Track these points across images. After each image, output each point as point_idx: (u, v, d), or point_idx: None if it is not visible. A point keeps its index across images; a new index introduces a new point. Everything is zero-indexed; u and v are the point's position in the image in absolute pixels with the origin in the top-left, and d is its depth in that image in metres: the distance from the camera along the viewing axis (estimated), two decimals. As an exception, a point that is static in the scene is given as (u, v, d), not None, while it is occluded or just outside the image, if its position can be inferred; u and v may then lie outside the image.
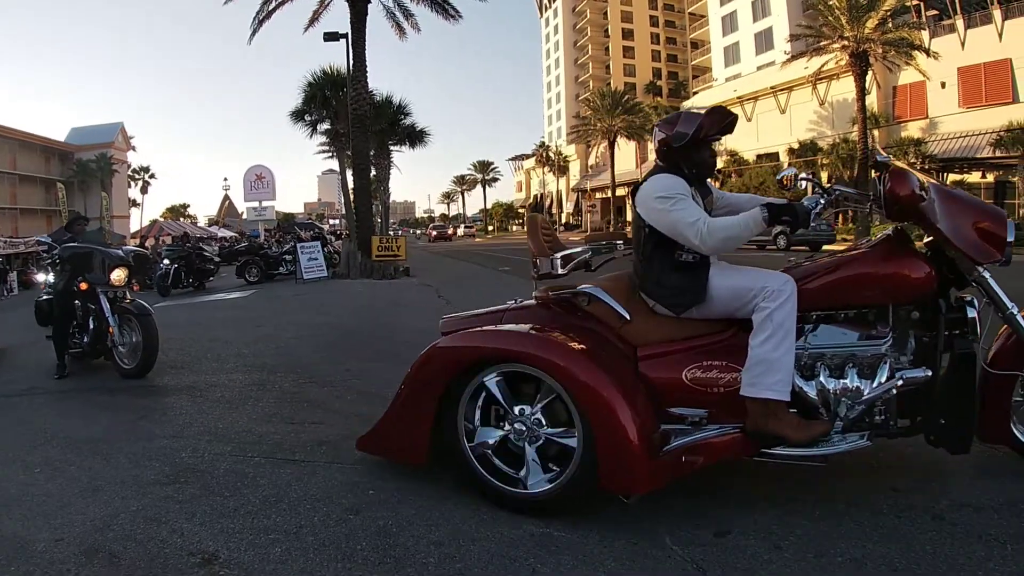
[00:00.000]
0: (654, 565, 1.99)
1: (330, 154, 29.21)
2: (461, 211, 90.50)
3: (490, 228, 73.41)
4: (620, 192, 49.33)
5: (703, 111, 2.43)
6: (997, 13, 29.76)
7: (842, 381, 2.25)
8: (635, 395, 2.19)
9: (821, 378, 2.27)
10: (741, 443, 2.28)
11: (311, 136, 23.86)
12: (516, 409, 2.37)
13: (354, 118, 17.15)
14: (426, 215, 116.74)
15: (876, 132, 32.82)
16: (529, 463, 2.34)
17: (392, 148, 30.08)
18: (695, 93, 49.95)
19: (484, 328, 2.58)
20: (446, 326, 2.86)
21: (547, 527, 2.24)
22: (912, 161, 28.63)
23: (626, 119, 43.89)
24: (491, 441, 2.42)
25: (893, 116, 33.97)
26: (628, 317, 2.43)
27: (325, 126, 23.57)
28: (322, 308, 9.38)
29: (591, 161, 59.43)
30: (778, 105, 39.27)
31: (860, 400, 2.22)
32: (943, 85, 31.44)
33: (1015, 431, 2.43)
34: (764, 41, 42.99)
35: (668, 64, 69.20)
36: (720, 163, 40.92)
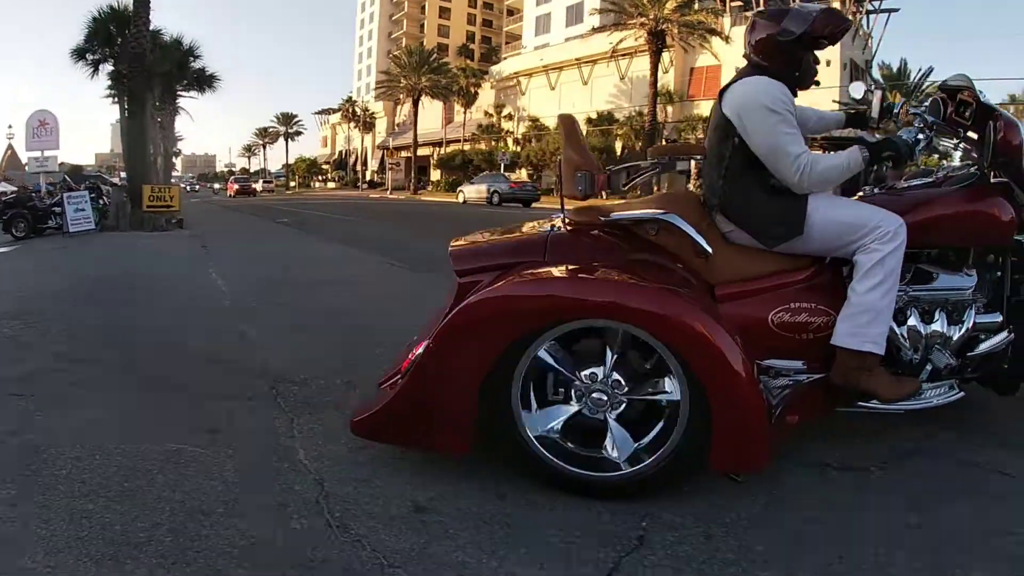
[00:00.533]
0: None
1: (113, 99, 25.35)
2: (263, 165, 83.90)
3: (292, 184, 69.01)
4: (423, 151, 48.89)
5: (815, 6, 2.09)
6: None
7: (931, 327, 2.12)
8: (741, 348, 1.83)
9: (912, 323, 2.12)
10: (833, 397, 2.08)
11: (92, 77, 20.65)
12: (584, 374, 1.92)
13: (132, 56, 15.86)
14: (227, 169, 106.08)
15: (670, 108, 35.61)
16: (617, 438, 1.90)
17: (181, 94, 27.64)
18: (504, 59, 50.58)
19: (559, 274, 2.00)
20: (463, 260, 2.26)
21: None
22: (700, 136, 31.39)
23: (432, 78, 43.70)
24: (557, 423, 1.95)
25: (688, 95, 36.74)
26: (710, 251, 2.06)
27: (109, 67, 20.49)
28: (73, 263, 7.98)
29: (398, 119, 58.15)
30: (581, 77, 40.89)
31: (950, 347, 2.11)
32: (737, 70, 34.85)
33: None
34: (575, 14, 44.33)
35: (483, 28, 68.64)
36: (522, 127, 42.82)
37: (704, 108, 34.65)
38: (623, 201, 2.44)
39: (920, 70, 26.15)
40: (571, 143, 2.33)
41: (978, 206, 2.12)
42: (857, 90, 2.36)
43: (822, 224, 2.03)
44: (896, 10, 36.18)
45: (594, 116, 36.57)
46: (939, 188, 2.27)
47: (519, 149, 40.57)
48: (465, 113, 47.48)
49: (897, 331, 2.09)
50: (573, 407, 1.95)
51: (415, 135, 45.22)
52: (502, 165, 32.26)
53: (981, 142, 2.16)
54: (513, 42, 52.88)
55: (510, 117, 44.93)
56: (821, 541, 1.68)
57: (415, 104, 44.52)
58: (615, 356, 1.91)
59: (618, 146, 36.02)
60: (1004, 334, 2.15)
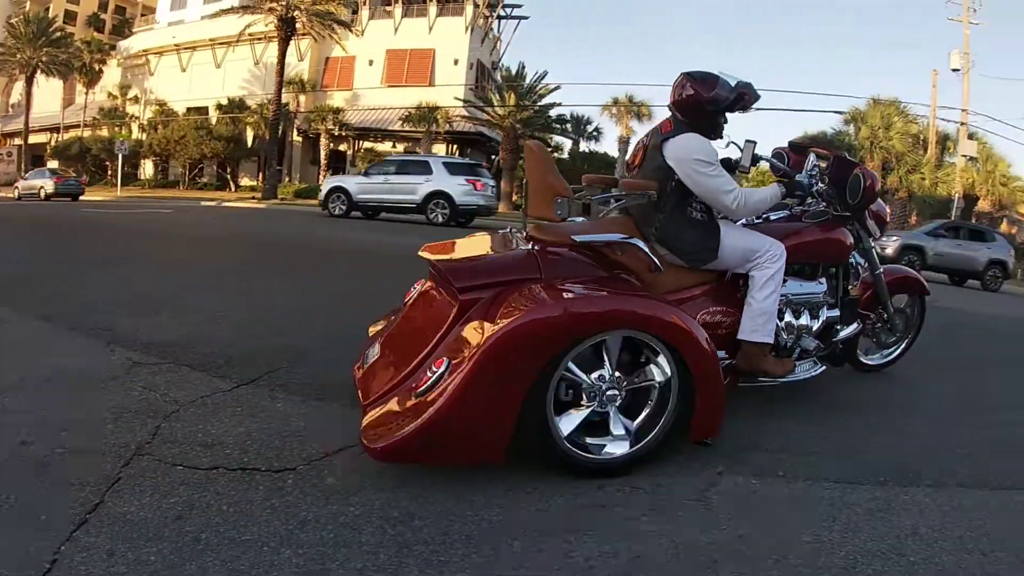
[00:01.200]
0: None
1: None
2: None
3: None
4: (39, 138, 40.37)
5: (738, 81, 2.64)
6: (432, 9, 35.21)
7: (799, 321, 2.98)
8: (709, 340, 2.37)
9: (788, 319, 2.95)
10: (735, 377, 2.79)
11: None
12: (593, 376, 2.23)
13: None
14: None
15: (303, 97, 35.50)
16: (621, 427, 2.30)
17: None
18: (134, 33, 43.89)
19: (608, 292, 2.34)
20: (463, 277, 2.40)
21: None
22: (330, 128, 33.15)
23: (51, 52, 36.72)
24: (579, 422, 2.23)
25: (322, 84, 36.75)
26: (662, 268, 2.57)
27: None
28: None
29: (12, 100, 46.53)
30: (214, 59, 38.08)
31: (811, 334, 3.01)
32: (370, 63, 35.83)
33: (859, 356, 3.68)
34: (214, -8, 40.54)
35: (118, -2, 57.47)
36: (149, 112, 38.58)
37: (337, 98, 35.37)
38: (579, 223, 2.83)
39: (536, 73, 31.68)
40: (549, 170, 2.61)
41: (833, 235, 3.09)
42: (746, 157, 2.99)
43: (730, 249, 2.70)
44: (526, 17, 41.09)
45: (224, 102, 34.88)
46: (803, 221, 3.14)
47: (144, 136, 36.48)
48: (87, 94, 40.45)
49: (778, 325, 2.88)
50: (587, 407, 2.25)
51: (27, 119, 37.63)
52: (120, 156, 28.40)
53: (835, 187, 3.10)
54: (148, 15, 45.86)
55: (136, 100, 39.85)
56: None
57: (28, 82, 37.13)
58: (616, 356, 2.27)
59: (249, 135, 35.15)
60: (855, 325, 3.20)
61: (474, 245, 2.83)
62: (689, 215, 2.67)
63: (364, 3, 36.49)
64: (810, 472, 2.40)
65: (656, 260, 2.58)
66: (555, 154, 45.61)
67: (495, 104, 30.99)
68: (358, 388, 2.47)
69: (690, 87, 2.61)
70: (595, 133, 40.47)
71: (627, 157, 3.94)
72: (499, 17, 39.24)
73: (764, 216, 3.10)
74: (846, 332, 3.23)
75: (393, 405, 2.17)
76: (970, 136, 26.84)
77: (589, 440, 2.26)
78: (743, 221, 2.94)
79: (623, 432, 2.30)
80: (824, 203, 3.19)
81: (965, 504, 2.21)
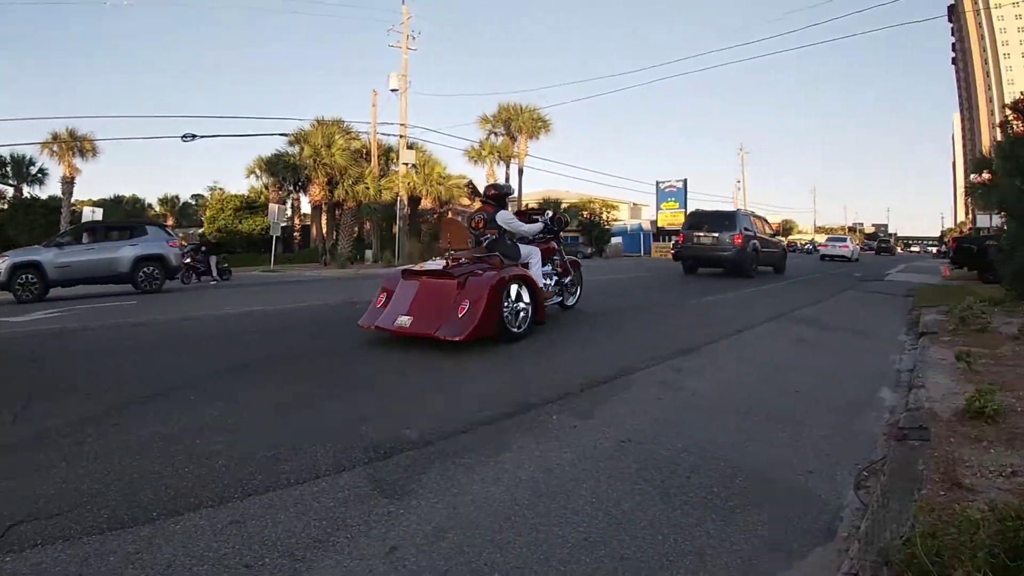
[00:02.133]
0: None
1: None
2: None
3: None
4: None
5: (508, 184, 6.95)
6: None
7: (549, 281, 7.50)
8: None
9: (546, 281, 7.38)
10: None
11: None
12: (512, 299, 6.08)
13: None
14: None
15: None
16: (520, 319, 6.18)
17: None
18: None
19: (506, 271, 6.23)
20: (457, 270, 6.15)
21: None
22: None
23: None
24: (507, 318, 5.98)
25: None
26: (504, 263, 6.53)
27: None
28: None
29: None
30: None
31: (552, 286, 7.52)
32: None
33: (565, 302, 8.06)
34: None
35: None
36: None
37: None
38: (467, 249, 6.70)
39: None
40: (460, 232, 7.09)
41: (551, 245, 7.81)
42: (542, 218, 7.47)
43: (525, 255, 7.04)
44: None
45: None
46: (543, 238, 7.64)
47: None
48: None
49: (547, 283, 7.34)
50: (521, 306, 6.26)
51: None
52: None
53: (554, 224, 7.73)
54: None
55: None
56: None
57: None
58: (519, 289, 6.28)
59: None
60: (570, 276, 7.91)
61: (432, 263, 6.53)
62: (506, 242, 6.87)
63: None
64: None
65: (507, 261, 6.71)
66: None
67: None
68: (413, 334, 5.73)
69: (493, 190, 7.27)
70: (39, 175, 34.72)
71: (472, 223, 7.23)
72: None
73: (536, 237, 7.50)
74: (565, 282, 7.96)
75: (450, 325, 5.63)
76: (410, 146, 30.62)
77: (511, 327, 6.14)
78: (528, 240, 7.28)
79: (524, 322, 6.31)
80: (550, 232, 7.81)
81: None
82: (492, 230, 6.81)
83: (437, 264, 6.48)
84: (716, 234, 15.89)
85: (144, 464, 2.95)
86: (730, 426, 3.67)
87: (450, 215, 34.78)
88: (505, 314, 5.88)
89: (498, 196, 7.07)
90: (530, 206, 35.14)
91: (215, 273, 18.40)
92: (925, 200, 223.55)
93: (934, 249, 62.18)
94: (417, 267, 6.60)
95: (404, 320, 5.77)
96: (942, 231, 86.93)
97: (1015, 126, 10.25)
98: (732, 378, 4.94)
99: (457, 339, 5.42)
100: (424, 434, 3.36)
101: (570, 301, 8.12)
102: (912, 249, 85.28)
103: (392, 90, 29.36)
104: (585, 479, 2.83)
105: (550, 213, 7.91)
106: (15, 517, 2.40)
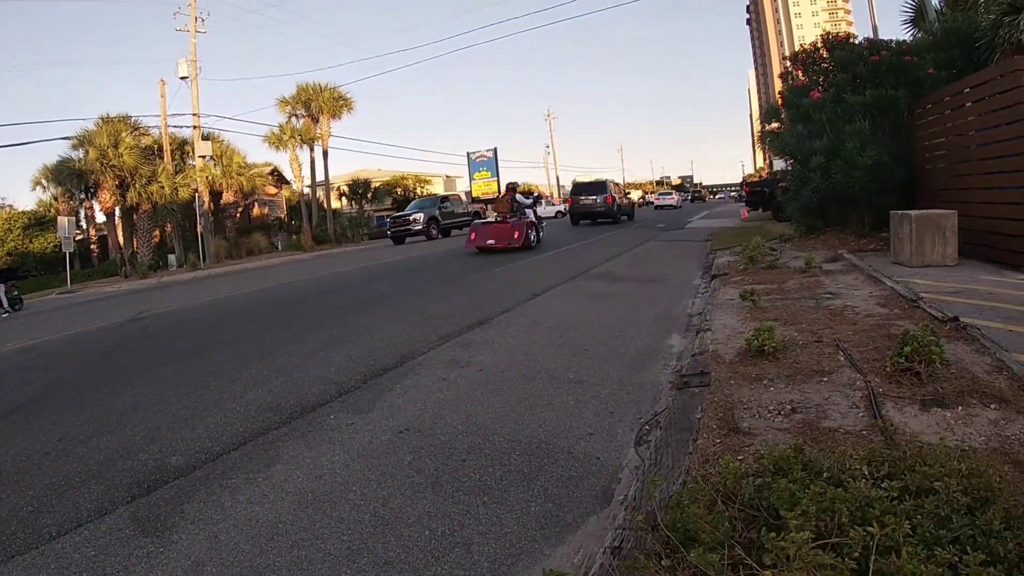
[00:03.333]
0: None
1: None
2: None
3: None
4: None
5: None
6: None
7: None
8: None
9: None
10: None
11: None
12: (535, 229, 14.03)
13: None
14: None
15: None
16: (535, 240, 14.29)
17: None
18: None
19: (526, 221, 13.92)
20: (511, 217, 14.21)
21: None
22: None
23: None
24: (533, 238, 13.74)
25: None
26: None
27: None
28: None
29: None
30: None
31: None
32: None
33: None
34: None
35: None
36: None
37: None
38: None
39: None
40: (505, 204, 14.61)
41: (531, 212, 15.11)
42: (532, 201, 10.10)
43: (528, 215, 14.51)
44: None
45: None
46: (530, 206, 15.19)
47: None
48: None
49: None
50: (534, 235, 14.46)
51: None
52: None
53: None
54: None
55: None
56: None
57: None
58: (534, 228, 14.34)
59: None
60: (537, 226, 13.38)
61: (490, 218, 16.96)
62: (522, 210, 14.55)
63: None
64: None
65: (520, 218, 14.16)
66: None
67: None
68: (496, 246, 13.52)
69: (511, 185, 15.14)
70: None
71: (503, 201, 14.63)
72: None
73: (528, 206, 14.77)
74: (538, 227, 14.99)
75: (511, 243, 13.56)
76: (205, 137, 28.28)
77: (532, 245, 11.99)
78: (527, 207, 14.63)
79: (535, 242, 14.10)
80: (535, 204, 15.89)
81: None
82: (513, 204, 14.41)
83: (493, 218, 15.28)
84: (594, 197, 23.86)
85: None
86: (513, 397, 3.61)
87: (256, 207, 33.08)
88: (531, 238, 13.70)
89: (513, 188, 14.73)
90: (347, 185, 39.58)
91: (6, 304, 15.78)
92: (727, 150, 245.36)
93: (735, 195, 68.34)
94: (483, 221, 16.34)
95: (490, 242, 13.59)
96: (743, 177, 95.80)
97: (796, 76, 11.21)
98: (521, 345, 4.89)
99: (514, 247, 13.26)
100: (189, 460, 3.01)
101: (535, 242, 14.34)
102: (718, 196, 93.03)
103: (182, 78, 26.86)
104: (355, 481, 2.64)
105: (536, 194, 15.77)
106: None
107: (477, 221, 17.92)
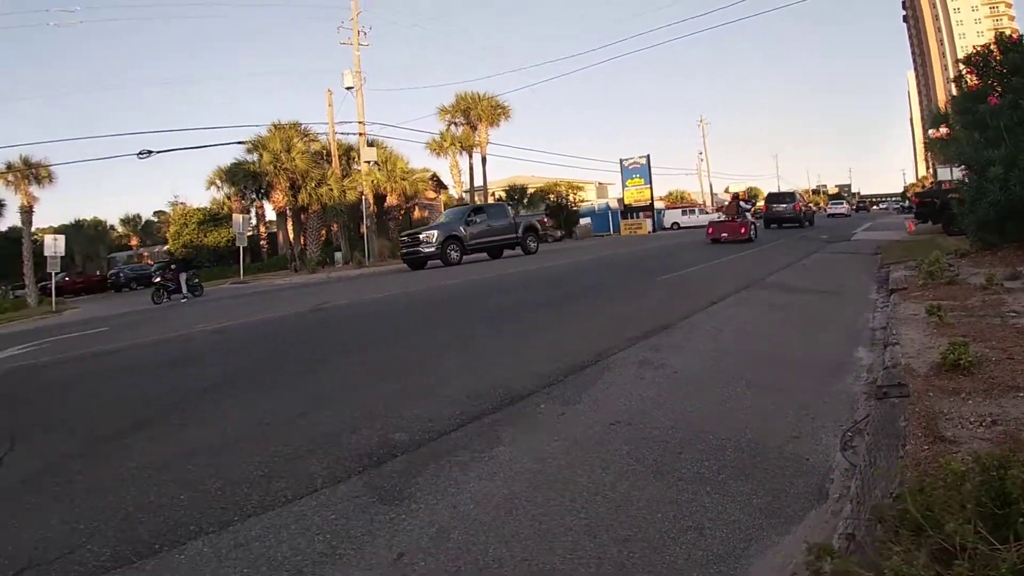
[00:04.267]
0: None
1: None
2: None
3: None
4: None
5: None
6: None
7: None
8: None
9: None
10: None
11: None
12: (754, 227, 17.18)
13: None
14: None
15: None
16: (755, 234, 18.92)
17: None
18: None
19: (747, 221, 19.03)
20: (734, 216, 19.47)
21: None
22: None
23: None
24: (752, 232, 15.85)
25: None
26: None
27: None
28: None
29: None
30: None
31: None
32: None
33: None
34: None
35: None
36: None
37: None
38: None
39: None
40: (734, 208, 19.90)
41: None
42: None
43: (746, 217, 14.04)
44: None
45: None
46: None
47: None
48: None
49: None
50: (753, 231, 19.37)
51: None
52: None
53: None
54: None
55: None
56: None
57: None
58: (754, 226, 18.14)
59: None
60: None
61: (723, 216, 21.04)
62: (744, 214, 19.73)
63: None
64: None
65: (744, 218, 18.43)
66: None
67: None
68: (728, 238, 18.35)
69: (736, 194, 21.44)
70: None
71: (729, 206, 20.27)
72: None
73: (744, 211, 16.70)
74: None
75: (739, 236, 18.37)
76: (370, 144, 30.25)
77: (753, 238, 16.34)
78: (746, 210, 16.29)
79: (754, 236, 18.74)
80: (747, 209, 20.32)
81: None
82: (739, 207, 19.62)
83: (725, 217, 20.21)
84: (784, 205, 28.50)
85: (138, 496, 2.90)
86: (713, 399, 3.75)
87: (417, 210, 34.75)
88: (752, 233, 18.23)
89: (737, 196, 20.07)
90: (499, 195, 40.46)
91: (185, 290, 18.12)
92: (886, 157, 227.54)
93: (898, 206, 63.69)
94: (718, 220, 20.83)
95: (724, 235, 18.42)
96: (904, 187, 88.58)
97: (969, 80, 10.47)
98: (710, 350, 5.01)
99: (741, 240, 17.69)
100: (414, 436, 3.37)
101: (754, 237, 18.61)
102: (882, 207, 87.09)
103: (347, 88, 29.00)
104: (579, 465, 2.87)
105: (751, 201, 23.54)
106: (16, 565, 2.36)
107: (714, 219, 23.38)
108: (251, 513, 2.60)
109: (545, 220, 25.42)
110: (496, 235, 21.13)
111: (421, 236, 19.81)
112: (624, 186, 47.97)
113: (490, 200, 35.51)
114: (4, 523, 2.77)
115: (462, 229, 20.23)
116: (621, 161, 47.79)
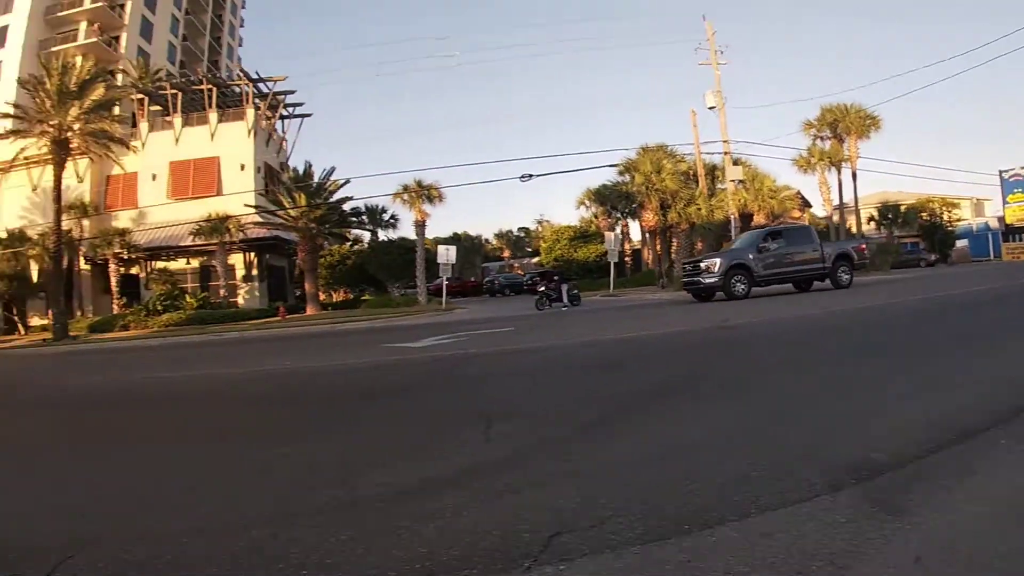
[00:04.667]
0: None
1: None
2: None
3: None
4: None
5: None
6: (213, 116, 34.71)
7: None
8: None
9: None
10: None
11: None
12: None
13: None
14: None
15: (86, 221, 33.10)
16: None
17: None
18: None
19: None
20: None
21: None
22: (118, 251, 31.12)
23: None
24: None
25: (105, 206, 34.44)
26: None
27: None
28: None
29: None
30: None
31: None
32: (154, 177, 34.22)
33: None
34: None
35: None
36: None
37: (123, 219, 33.32)
38: None
39: (324, 170, 31.89)
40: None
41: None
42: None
43: None
44: (308, 115, 41.00)
45: (4, 235, 30.92)
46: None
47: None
48: None
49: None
50: None
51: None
52: None
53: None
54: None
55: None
56: None
57: None
58: None
59: (34, 269, 30.75)
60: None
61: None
62: None
63: (142, 115, 35.21)
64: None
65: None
66: (356, 246, 45.46)
67: (287, 206, 30.88)
68: None
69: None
70: (392, 220, 41.11)
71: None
72: (282, 117, 39.15)
73: None
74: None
75: None
76: (735, 162, 29.54)
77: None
78: None
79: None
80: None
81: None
82: None
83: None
84: None
85: (649, 479, 3.04)
86: None
87: None
88: None
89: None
90: (870, 213, 38.13)
91: (566, 299, 20.16)
92: None
93: None
94: None
95: None
96: None
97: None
98: None
99: None
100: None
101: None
102: None
103: (710, 108, 28.74)
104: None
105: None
106: (550, 529, 2.52)
107: None
108: (766, 508, 2.64)
109: (863, 247, 20.00)
110: (795, 264, 17.87)
111: (702, 265, 17.59)
112: (1004, 202, 39.31)
113: (862, 217, 32.43)
114: (515, 491, 3.01)
115: (751, 257, 17.54)
116: (1000, 173, 39.10)
